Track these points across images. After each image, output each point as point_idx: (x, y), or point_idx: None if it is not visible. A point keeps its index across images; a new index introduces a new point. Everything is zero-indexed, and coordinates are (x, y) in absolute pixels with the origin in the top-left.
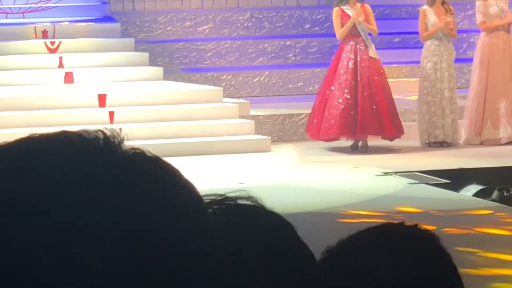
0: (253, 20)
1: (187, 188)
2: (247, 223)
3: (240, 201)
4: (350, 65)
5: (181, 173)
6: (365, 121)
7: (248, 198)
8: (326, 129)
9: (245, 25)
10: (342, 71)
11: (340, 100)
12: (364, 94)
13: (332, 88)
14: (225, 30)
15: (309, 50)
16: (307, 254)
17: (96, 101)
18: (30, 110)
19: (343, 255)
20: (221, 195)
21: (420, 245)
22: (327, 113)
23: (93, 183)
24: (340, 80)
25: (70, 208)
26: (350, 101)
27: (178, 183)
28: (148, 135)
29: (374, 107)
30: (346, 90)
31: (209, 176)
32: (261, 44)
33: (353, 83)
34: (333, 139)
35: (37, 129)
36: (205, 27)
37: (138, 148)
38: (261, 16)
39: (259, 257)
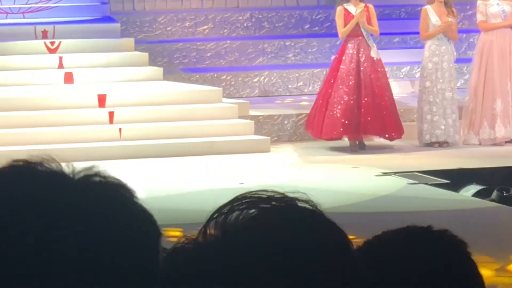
0: (253, 20)
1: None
2: (306, 228)
3: (299, 203)
4: (353, 64)
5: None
6: (368, 121)
7: (307, 201)
8: (329, 128)
9: (245, 25)
10: (344, 70)
11: (343, 100)
12: (367, 94)
13: (335, 87)
14: (225, 30)
15: (309, 50)
16: (362, 269)
17: (96, 101)
18: (30, 110)
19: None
20: (280, 193)
21: (445, 251)
22: (330, 113)
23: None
24: (342, 80)
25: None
26: (353, 101)
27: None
28: (148, 135)
29: (377, 107)
30: (349, 90)
31: (209, 176)
32: (260, 44)
33: (356, 82)
34: (335, 139)
35: (37, 129)
36: (205, 27)
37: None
38: (260, 16)
39: (313, 264)
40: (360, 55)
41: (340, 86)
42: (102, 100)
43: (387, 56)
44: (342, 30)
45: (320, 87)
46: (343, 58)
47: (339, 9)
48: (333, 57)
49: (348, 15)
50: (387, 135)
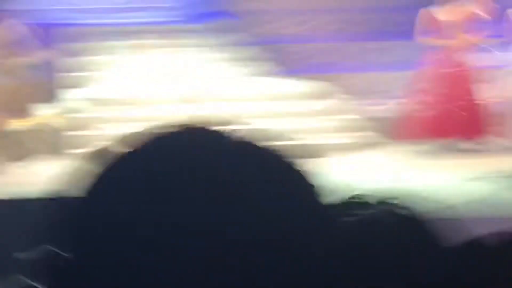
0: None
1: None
2: (400, 235)
3: (401, 210)
4: (442, 67)
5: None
6: (456, 122)
7: (406, 208)
8: (419, 129)
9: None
10: (435, 73)
11: (431, 103)
12: (454, 97)
13: (423, 90)
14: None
15: (394, 53)
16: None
17: None
18: None
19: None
20: (382, 198)
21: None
22: (419, 114)
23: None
24: (431, 83)
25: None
26: (441, 104)
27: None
28: None
29: (466, 109)
30: (436, 92)
31: None
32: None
33: (444, 85)
34: (424, 140)
35: None
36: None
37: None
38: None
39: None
40: (447, 59)
41: (428, 89)
42: None
43: (477, 59)
44: (425, 38)
45: (410, 90)
46: (432, 61)
47: (424, 11)
48: (422, 60)
49: (434, 21)
50: (473, 136)
